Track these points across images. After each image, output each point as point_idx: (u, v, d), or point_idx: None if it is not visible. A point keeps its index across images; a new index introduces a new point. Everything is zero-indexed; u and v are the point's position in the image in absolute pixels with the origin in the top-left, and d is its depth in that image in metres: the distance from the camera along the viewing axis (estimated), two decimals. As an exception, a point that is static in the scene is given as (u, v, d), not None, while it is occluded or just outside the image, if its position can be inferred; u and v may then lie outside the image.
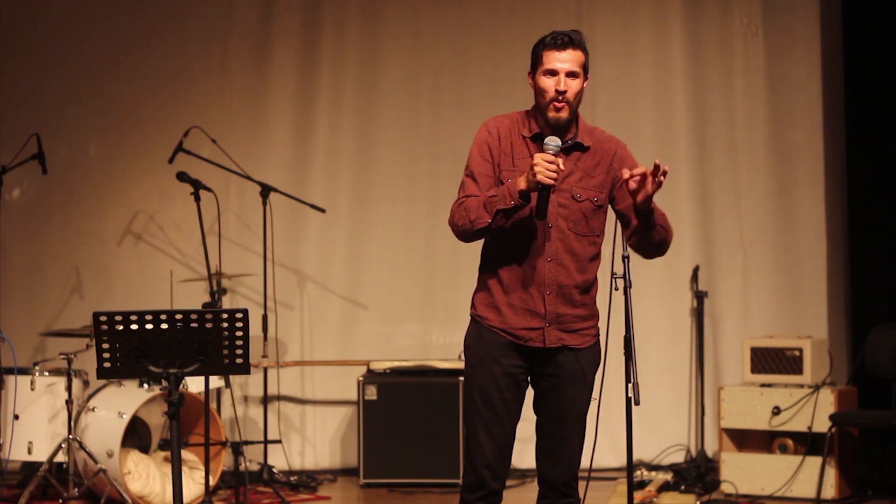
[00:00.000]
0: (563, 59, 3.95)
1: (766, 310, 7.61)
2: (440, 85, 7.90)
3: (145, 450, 6.68)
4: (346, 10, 7.92)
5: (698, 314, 7.54)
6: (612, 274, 4.19)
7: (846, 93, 7.43)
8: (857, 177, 7.40)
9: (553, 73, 3.95)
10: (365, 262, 7.87)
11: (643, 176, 3.86)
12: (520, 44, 7.90)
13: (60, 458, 6.42)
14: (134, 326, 3.72)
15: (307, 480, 7.25)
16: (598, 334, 4.13)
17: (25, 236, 7.86)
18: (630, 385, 4.01)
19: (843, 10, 7.41)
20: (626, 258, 4.15)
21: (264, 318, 7.20)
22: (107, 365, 3.78)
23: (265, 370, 7.28)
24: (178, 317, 3.73)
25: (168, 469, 6.33)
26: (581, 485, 4.22)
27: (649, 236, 3.97)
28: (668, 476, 6.78)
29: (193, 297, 7.43)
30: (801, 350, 6.86)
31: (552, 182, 3.82)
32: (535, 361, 4.03)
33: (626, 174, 3.85)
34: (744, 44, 7.71)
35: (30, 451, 6.49)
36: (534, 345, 4.00)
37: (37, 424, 6.50)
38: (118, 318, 3.72)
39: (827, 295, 7.50)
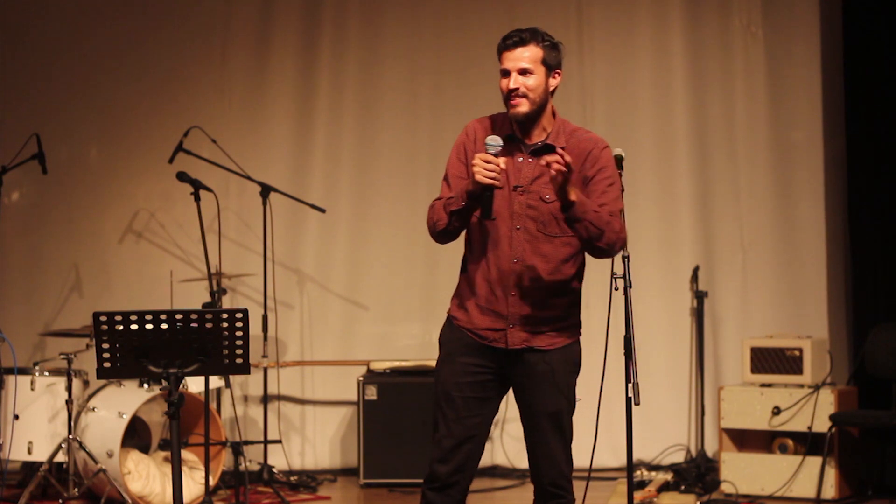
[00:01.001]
0: (514, 58, 3.97)
1: (766, 310, 7.60)
2: (440, 85, 7.90)
3: (145, 450, 6.68)
4: (345, 10, 7.92)
5: (698, 314, 7.54)
6: (612, 274, 4.19)
7: (846, 93, 7.43)
8: (857, 177, 7.40)
9: (506, 72, 3.98)
10: (365, 261, 7.87)
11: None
12: (520, 44, 7.93)
13: (60, 458, 6.42)
14: (134, 326, 3.72)
15: (307, 480, 7.25)
16: (574, 335, 4.09)
17: (25, 236, 7.86)
18: (630, 385, 4.01)
19: (843, 10, 7.41)
20: (626, 258, 4.14)
21: (264, 317, 7.20)
22: (107, 365, 3.78)
23: (265, 370, 7.28)
24: (178, 317, 3.73)
25: (168, 469, 6.33)
26: (581, 485, 4.22)
27: (579, 232, 3.92)
28: (668, 476, 6.78)
29: (193, 297, 7.43)
30: (801, 350, 6.86)
31: (490, 182, 3.81)
32: (504, 363, 4.03)
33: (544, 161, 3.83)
34: (744, 44, 7.71)
35: (30, 451, 6.49)
36: (498, 345, 4.00)
37: (37, 424, 6.50)
38: (118, 318, 3.72)
39: (827, 295, 7.50)
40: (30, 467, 6.65)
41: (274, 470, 7.22)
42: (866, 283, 7.32)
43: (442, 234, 4.01)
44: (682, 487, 6.79)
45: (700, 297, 7.52)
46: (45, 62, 7.88)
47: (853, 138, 7.40)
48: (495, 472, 7.67)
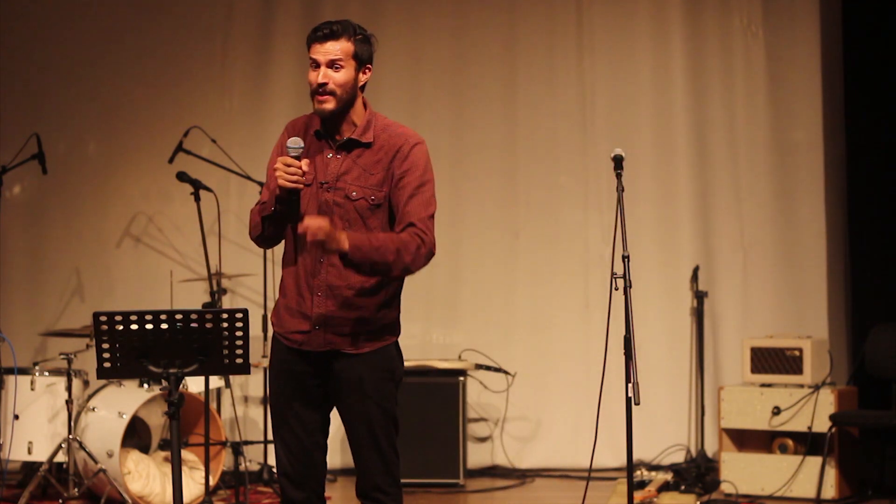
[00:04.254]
0: (325, 51, 3.81)
1: (766, 310, 7.61)
2: (440, 85, 7.90)
3: (145, 450, 6.68)
4: (345, 10, 7.92)
5: (698, 314, 7.54)
6: (612, 274, 4.17)
7: (846, 93, 7.44)
8: (857, 177, 7.40)
9: (316, 64, 3.82)
10: (365, 262, 7.86)
11: None
12: (520, 44, 7.94)
13: (60, 458, 6.42)
14: (134, 326, 3.71)
15: (307, 480, 7.24)
16: (388, 339, 3.88)
17: (25, 236, 7.87)
18: (630, 385, 3.99)
19: (843, 10, 7.41)
20: (626, 258, 4.13)
21: (264, 318, 7.20)
22: (107, 365, 3.77)
23: (265, 370, 7.27)
24: (178, 317, 3.72)
25: (168, 469, 6.33)
26: (581, 484, 4.22)
27: (363, 273, 3.77)
28: (668, 476, 6.77)
29: (193, 297, 7.43)
30: (801, 350, 6.85)
31: (293, 185, 3.70)
32: (316, 366, 3.84)
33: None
34: (744, 44, 7.72)
35: (30, 451, 6.49)
36: (307, 348, 3.83)
37: (37, 424, 6.50)
38: (118, 318, 3.71)
39: (827, 295, 7.50)
40: (30, 467, 6.65)
41: (274, 470, 7.21)
42: (866, 283, 7.32)
43: (259, 240, 3.92)
44: (682, 487, 6.79)
45: (700, 297, 7.52)
46: (45, 62, 7.89)
47: (853, 138, 7.40)
48: (495, 472, 7.67)
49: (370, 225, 3.82)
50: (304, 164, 3.73)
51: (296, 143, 3.75)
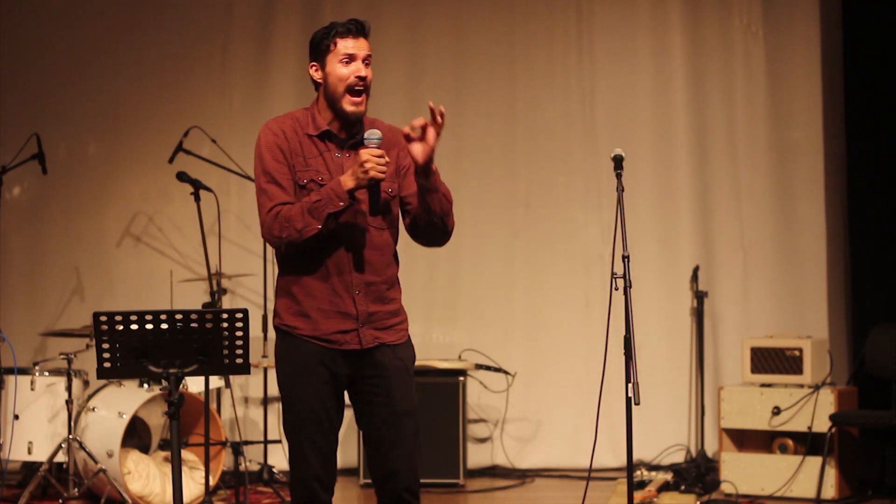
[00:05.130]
0: (361, 46, 3.78)
1: (766, 310, 7.61)
2: (439, 85, 7.90)
3: (145, 450, 6.68)
4: (345, 10, 7.92)
5: (698, 314, 7.54)
6: (613, 274, 4.16)
7: (846, 93, 7.44)
8: (857, 177, 7.40)
9: (352, 58, 3.77)
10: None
11: (423, 128, 3.77)
12: (520, 44, 7.94)
13: (60, 458, 6.42)
14: (134, 326, 3.71)
15: (307, 480, 7.24)
16: (408, 330, 3.93)
17: (25, 236, 7.87)
18: (630, 385, 3.99)
19: (843, 10, 7.41)
20: (626, 258, 4.13)
21: (264, 318, 7.19)
22: (107, 365, 3.77)
23: (265, 370, 7.27)
24: (178, 317, 3.72)
25: (168, 469, 6.33)
26: (581, 485, 4.22)
27: (431, 205, 3.77)
28: (668, 476, 6.77)
29: (193, 298, 7.43)
30: (801, 350, 6.85)
31: (384, 176, 3.70)
32: (354, 365, 3.82)
33: (406, 129, 3.74)
34: (744, 44, 7.71)
35: (30, 451, 6.49)
36: (349, 347, 3.79)
37: (37, 424, 6.50)
38: (118, 318, 3.71)
39: (827, 295, 7.50)
40: (30, 467, 6.65)
41: (274, 470, 7.22)
42: (866, 283, 7.32)
43: (307, 241, 3.72)
44: (682, 487, 6.79)
45: (700, 297, 7.52)
46: (45, 62, 7.89)
47: (853, 138, 7.40)
48: (495, 472, 7.67)
49: (393, 214, 3.86)
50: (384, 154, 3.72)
51: (375, 133, 3.75)
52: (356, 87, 3.79)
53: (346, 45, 3.78)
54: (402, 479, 3.86)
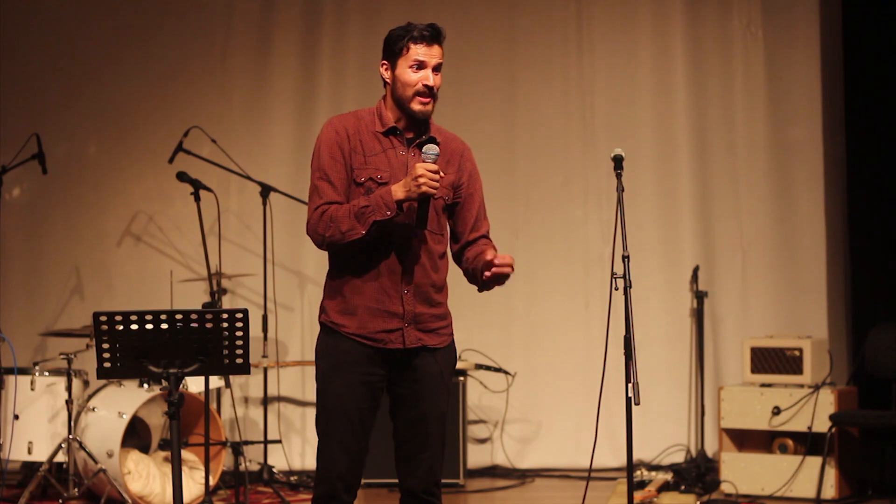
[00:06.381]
0: (433, 54, 3.86)
1: (766, 310, 7.60)
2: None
3: (145, 450, 6.68)
4: (346, 9, 7.93)
5: (698, 314, 7.54)
6: (612, 274, 4.17)
7: (846, 93, 7.43)
8: (857, 176, 7.40)
9: (422, 65, 3.85)
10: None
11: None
12: (520, 43, 7.94)
13: (60, 458, 6.42)
14: (134, 326, 3.72)
15: (307, 480, 7.24)
16: (452, 334, 3.99)
17: (25, 236, 7.87)
18: (630, 385, 3.99)
19: (843, 10, 7.41)
20: (626, 258, 4.13)
21: (264, 318, 7.19)
22: (107, 365, 3.77)
23: (265, 370, 7.27)
24: (178, 317, 3.72)
25: (168, 469, 6.33)
26: (581, 485, 4.22)
27: (484, 286, 3.95)
28: (668, 476, 6.78)
29: (193, 297, 7.43)
30: (801, 350, 6.85)
31: (435, 192, 3.75)
32: (394, 366, 3.87)
33: (489, 269, 3.86)
34: (744, 44, 7.71)
35: (30, 451, 6.49)
36: (393, 346, 3.83)
37: (37, 424, 6.50)
38: (118, 317, 3.71)
39: (827, 295, 7.50)
40: (30, 467, 6.65)
41: (274, 470, 7.22)
42: (866, 283, 7.32)
43: (350, 244, 3.77)
44: (682, 487, 6.79)
45: (700, 297, 7.52)
46: (45, 62, 7.89)
47: (853, 138, 7.40)
48: (495, 472, 7.68)
49: (441, 224, 3.92)
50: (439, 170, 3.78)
51: (433, 149, 3.78)
52: (422, 94, 3.85)
53: (418, 52, 3.86)
54: (423, 479, 3.91)
